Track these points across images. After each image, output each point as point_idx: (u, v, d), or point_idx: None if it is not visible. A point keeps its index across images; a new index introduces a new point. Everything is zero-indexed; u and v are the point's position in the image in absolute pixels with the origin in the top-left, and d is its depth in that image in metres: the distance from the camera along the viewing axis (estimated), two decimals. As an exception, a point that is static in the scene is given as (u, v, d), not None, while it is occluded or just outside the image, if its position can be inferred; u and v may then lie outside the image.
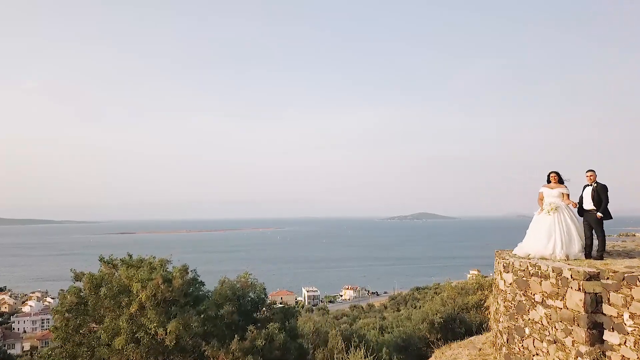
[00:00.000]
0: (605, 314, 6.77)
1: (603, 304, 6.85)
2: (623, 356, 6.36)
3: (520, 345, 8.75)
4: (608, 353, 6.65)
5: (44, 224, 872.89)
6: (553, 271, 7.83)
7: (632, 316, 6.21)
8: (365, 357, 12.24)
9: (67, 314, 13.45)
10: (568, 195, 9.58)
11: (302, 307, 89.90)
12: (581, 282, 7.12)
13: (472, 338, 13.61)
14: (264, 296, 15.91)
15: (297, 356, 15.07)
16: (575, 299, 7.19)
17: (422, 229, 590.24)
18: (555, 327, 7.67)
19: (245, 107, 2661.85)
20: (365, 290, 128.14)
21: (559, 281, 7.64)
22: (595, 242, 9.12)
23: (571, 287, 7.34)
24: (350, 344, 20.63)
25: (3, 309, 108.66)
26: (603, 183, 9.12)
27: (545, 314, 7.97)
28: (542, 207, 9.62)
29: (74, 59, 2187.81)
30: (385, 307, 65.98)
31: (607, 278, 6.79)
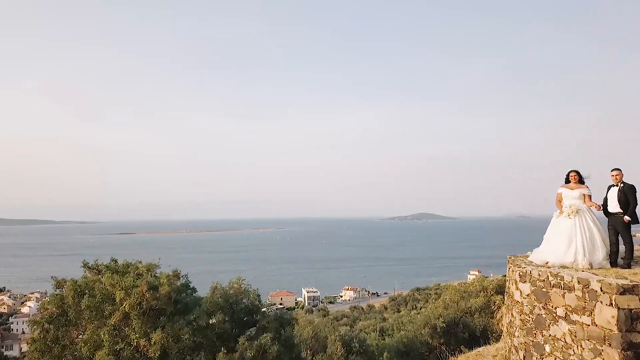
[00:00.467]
0: (643, 334, 5.91)
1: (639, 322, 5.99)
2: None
3: (539, 363, 7.85)
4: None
5: (44, 224, 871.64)
6: (579, 282, 6.93)
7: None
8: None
9: (46, 325, 12.46)
10: (590, 196, 8.61)
11: (302, 308, 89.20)
12: (613, 296, 6.25)
13: (480, 349, 12.69)
14: (258, 303, 14.86)
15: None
16: (607, 315, 6.31)
17: (422, 229, 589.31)
18: (581, 345, 6.77)
19: (245, 107, 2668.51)
20: (366, 290, 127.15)
21: (586, 294, 6.74)
22: (622, 248, 8.21)
23: (601, 302, 6.45)
24: (351, 349, 19.85)
25: (2, 310, 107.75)
26: (631, 183, 8.14)
27: (569, 330, 7.07)
28: (562, 209, 8.67)
29: (74, 59, 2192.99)
30: (386, 308, 65.32)
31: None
